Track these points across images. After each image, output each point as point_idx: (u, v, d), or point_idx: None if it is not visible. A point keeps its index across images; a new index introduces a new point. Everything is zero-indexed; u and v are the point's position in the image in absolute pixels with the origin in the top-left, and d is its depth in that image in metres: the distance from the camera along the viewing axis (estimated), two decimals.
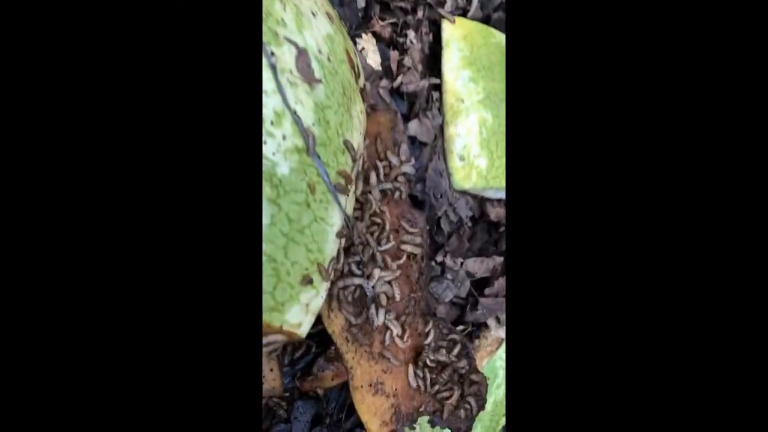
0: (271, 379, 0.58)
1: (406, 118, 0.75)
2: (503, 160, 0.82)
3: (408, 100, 0.76)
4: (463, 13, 0.87)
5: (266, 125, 0.41)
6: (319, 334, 0.72)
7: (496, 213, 0.84)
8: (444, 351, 0.65)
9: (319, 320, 0.70)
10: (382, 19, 0.74)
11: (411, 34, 0.77)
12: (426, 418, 0.83)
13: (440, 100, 0.80)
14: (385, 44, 0.75)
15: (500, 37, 0.90)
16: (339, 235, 0.51)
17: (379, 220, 0.61)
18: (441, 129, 0.80)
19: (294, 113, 0.43)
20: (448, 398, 0.66)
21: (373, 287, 0.57)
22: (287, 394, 0.71)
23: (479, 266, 0.82)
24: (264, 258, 0.41)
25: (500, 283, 0.82)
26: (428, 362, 0.63)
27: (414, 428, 0.84)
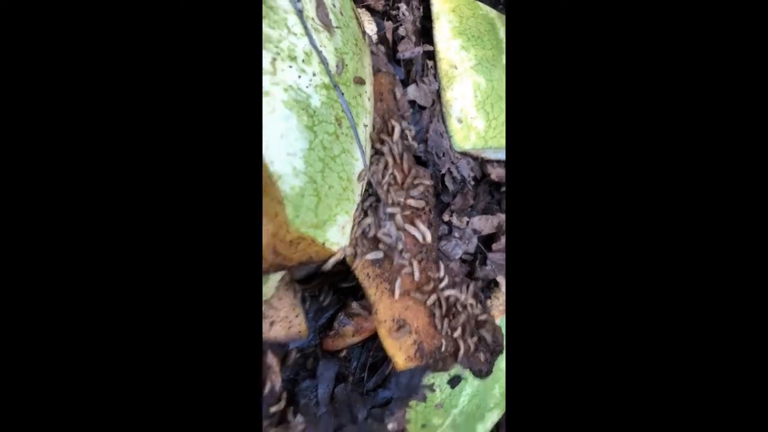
0: (297, 323, 0.66)
1: (405, 84, 0.85)
2: (499, 120, 0.92)
3: (405, 67, 0.86)
4: None
5: (299, 62, 0.50)
6: (341, 290, 0.81)
7: (497, 173, 0.94)
8: (458, 291, 0.74)
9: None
10: None
11: (403, 7, 0.88)
12: (445, 378, 0.91)
13: (435, 67, 0.90)
14: (379, 17, 0.85)
15: (486, 9, 1.01)
16: (359, 177, 0.60)
17: (393, 172, 0.70)
18: (438, 94, 0.90)
19: (320, 53, 0.52)
20: (465, 339, 0.74)
21: (391, 226, 0.66)
22: (311, 350, 0.79)
23: (484, 223, 0.91)
24: (305, 178, 0.49)
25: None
26: (444, 300, 0.72)
27: (434, 390, 0.92)
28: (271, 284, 0.61)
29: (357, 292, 0.78)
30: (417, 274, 0.69)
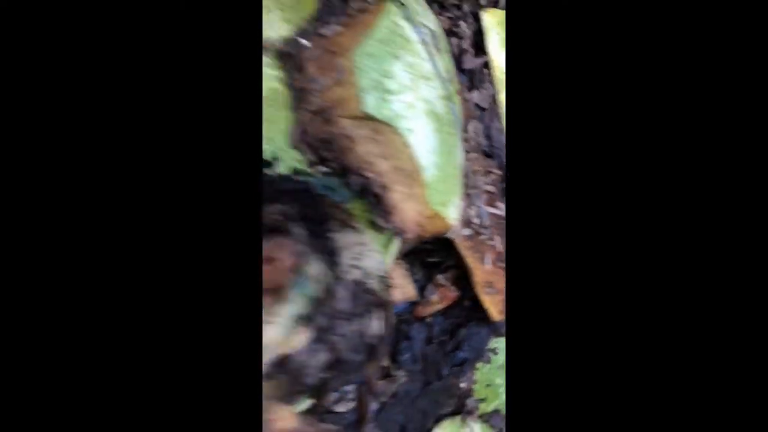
0: (409, 289, 0.82)
1: (469, 90, 1.01)
2: None
3: (468, 76, 1.03)
4: (495, 4, 1.14)
5: (428, 80, 0.66)
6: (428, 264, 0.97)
7: None
8: None
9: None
10: (442, 15, 1.00)
11: (462, 24, 1.04)
12: (503, 341, 1.07)
13: (489, 74, 1.07)
14: (447, 34, 1.01)
15: None
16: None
17: (474, 163, 0.87)
18: (493, 98, 1.06)
19: (439, 72, 0.68)
20: None
21: (480, 207, 0.82)
22: (406, 316, 0.95)
23: None
24: (437, 169, 0.66)
25: None
26: None
27: (497, 353, 1.08)
28: (389, 256, 0.77)
29: (440, 266, 0.94)
30: (499, 246, 0.86)
